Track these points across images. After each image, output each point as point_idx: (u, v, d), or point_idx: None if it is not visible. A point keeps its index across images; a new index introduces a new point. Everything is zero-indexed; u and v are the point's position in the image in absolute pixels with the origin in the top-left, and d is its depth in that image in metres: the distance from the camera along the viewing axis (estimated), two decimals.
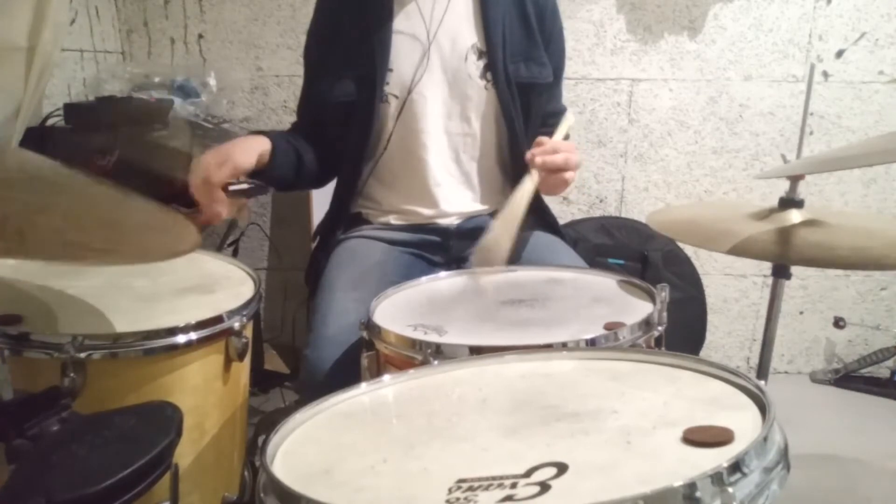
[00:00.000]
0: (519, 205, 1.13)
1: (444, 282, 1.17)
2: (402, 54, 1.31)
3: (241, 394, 1.11)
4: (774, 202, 1.19)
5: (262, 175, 1.29)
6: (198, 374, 0.99)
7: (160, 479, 0.65)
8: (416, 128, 1.33)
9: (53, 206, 0.72)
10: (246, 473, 1.18)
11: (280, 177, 1.33)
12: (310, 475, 0.61)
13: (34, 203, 0.70)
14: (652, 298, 1.00)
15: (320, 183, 1.51)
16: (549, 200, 1.47)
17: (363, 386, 0.78)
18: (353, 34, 1.32)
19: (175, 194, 1.19)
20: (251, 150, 1.23)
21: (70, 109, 1.68)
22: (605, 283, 1.12)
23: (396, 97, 1.31)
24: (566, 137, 1.26)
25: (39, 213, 0.69)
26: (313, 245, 1.50)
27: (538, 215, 1.42)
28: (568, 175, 1.18)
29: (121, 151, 1.56)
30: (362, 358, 0.97)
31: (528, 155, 1.17)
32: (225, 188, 1.19)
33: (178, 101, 1.93)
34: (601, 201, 2.38)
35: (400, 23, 1.31)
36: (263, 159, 1.26)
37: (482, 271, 1.15)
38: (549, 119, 1.43)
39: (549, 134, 1.40)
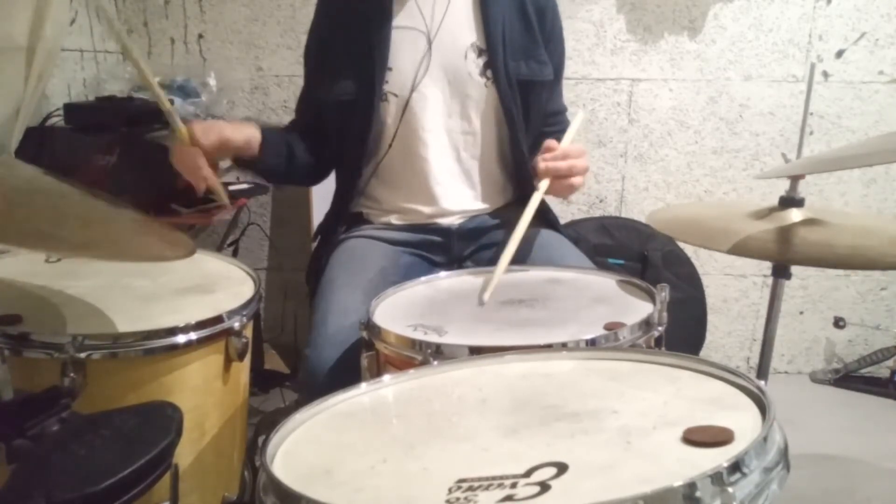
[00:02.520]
0: (526, 216, 1.15)
1: (444, 282, 1.17)
2: (402, 53, 1.31)
3: (241, 394, 1.11)
4: (775, 202, 1.19)
5: (251, 164, 1.30)
6: (198, 374, 0.99)
7: (160, 479, 0.65)
8: (416, 126, 1.33)
9: (35, 204, 0.72)
10: (246, 473, 1.18)
11: (270, 166, 1.33)
12: (310, 475, 0.61)
13: (16, 199, 0.71)
14: (652, 298, 1.00)
15: (313, 179, 1.52)
16: (549, 200, 1.47)
17: (363, 386, 0.78)
18: (352, 33, 1.32)
19: (174, 194, 1.19)
20: (239, 129, 1.25)
21: (70, 109, 1.68)
22: (605, 283, 1.12)
23: (396, 96, 1.31)
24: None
25: (20, 207, 0.69)
26: (314, 245, 1.51)
27: (539, 214, 1.42)
28: (575, 181, 1.20)
29: (121, 151, 1.56)
30: (362, 358, 0.97)
31: (539, 161, 1.19)
32: (214, 166, 1.20)
33: (178, 101, 1.93)
34: (601, 201, 2.38)
35: (399, 21, 1.31)
36: (253, 144, 1.27)
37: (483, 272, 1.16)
38: (550, 118, 1.43)
39: (558, 135, 1.42)
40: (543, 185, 1.19)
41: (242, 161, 1.28)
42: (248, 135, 1.26)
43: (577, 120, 1.27)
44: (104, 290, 1.06)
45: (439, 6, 1.31)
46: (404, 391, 0.78)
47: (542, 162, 1.19)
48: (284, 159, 1.35)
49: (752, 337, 2.48)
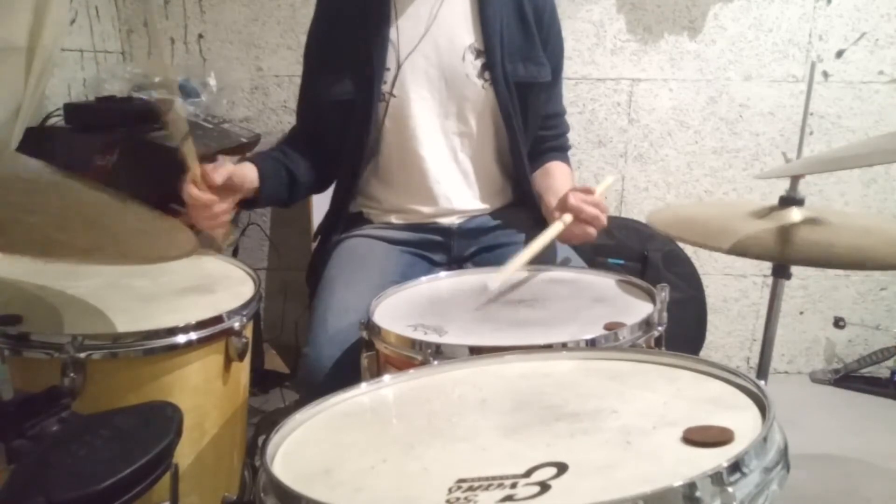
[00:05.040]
0: (539, 243, 1.13)
1: (444, 282, 1.17)
2: (400, 53, 1.31)
3: (241, 394, 1.11)
4: (775, 202, 1.19)
5: (255, 202, 1.29)
6: (198, 374, 0.99)
7: (160, 479, 0.65)
8: (413, 126, 1.33)
9: (41, 207, 0.72)
10: (246, 473, 1.18)
11: (274, 198, 1.33)
12: (310, 475, 0.61)
13: (22, 203, 0.71)
14: (652, 298, 1.00)
15: (320, 189, 1.50)
16: None
17: (363, 386, 0.78)
18: (351, 34, 1.32)
19: (174, 194, 1.19)
20: (239, 164, 1.23)
21: (70, 109, 1.68)
22: (605, 283, 1.12)
23: (395, 96, 1.31)
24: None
25: (27, 212, 0.69)
26: (314, 245, 1.50)
27: (539, 216, 1.42)
28: (591, 231, 1.18)
29: (121, 151, 1.56)
30: (362, 358, 0.97)
31: (570, 195, 1.17)
32: (227, 190, 1.18)
33: (177, 101, 1.93)
34: None
35: (398, 22, 1.31)
36: (253, 185, 1.25)
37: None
38: (548, 121, 1.43)
39: (556, 140, 1.42)
40: (567, 218, 1.17)
41: (246, 202, 1.26)
42: (248, 169, 1.25)
43: (608, 179, 1.29)
44: (104, 290, 1.06)
45: (437, 7, 1.31)
46: (404, 391, 0.78)
47: (575, 199, 1.16)
48: (286, 186, 1.34)
49: (752, 337, 2.48)
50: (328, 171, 1.43)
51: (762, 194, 2.35)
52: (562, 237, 1.20)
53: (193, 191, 1.14)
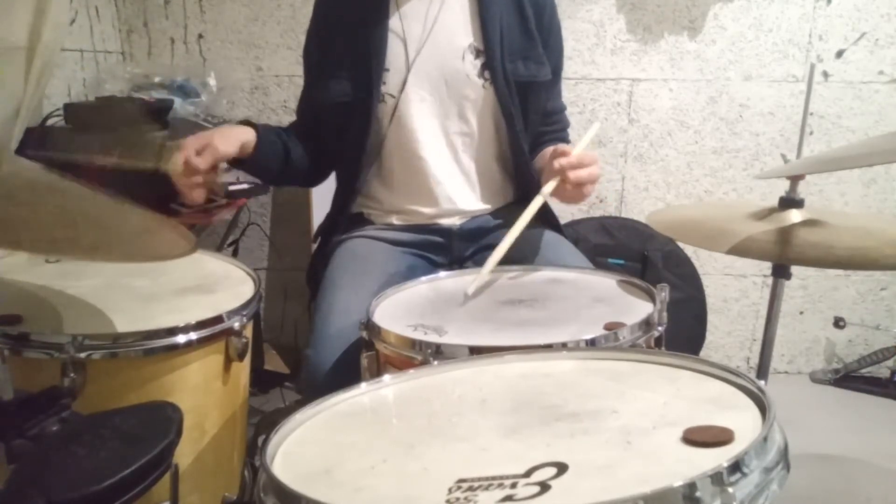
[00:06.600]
0: (525, 217, 1.13)
1: (444, 282, 1.17)
2: (399, 54, 1.31)
3: (241, 394, 1.11)
4: (774, 202, 1.19)
5: (246, 164, 1.29)
6: (198, 374, 0.99)
7: (160, 479, 0.65)
8: (413, 127, 1.33)
9: (45, 206, 0.72)
10: (246, 473, 1.18)
11: (265, 167, 1.33)
12: (310, 475, 0.61)
13: (25, 201, 0.71)
14: (652, 298, 1.00)
15: (311, 181, 1.51)
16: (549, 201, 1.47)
17: (363, 386, 0.78)
18: (350, 34, 1.32)
19: (174, 193, 1.19)
20: (232, 138, 1.23)
21: (70, 109, 1.68)
22: (605, 283, 1.12)
23: (394, 97, 1.31)
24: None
25: (31, 211, 0.69)
26: (314, 245, 1.50)
27: (540, 215, 1.42)
28: (587, 189, 1.18)
29: (121, 151, 1.56)
30: (362, 358, 0.97)
31: (556, 164, 1.15)
32: (213, 169, 1.19)
33: (178, 101, 1.93)
34: (601, 201, 2.38)
35: (396, 22, 1.31)
36: (248, 149, 1.26)
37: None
38: (549, 118, 1.43)
39: (558, 135, 1.40)
40: (549, 187, 1.16)
41: (237, 161, 1.28)
42: (242, 141, 1.25)
43: (591, 130, 1.24)
44: (104, 290, 1.06)
45: (436, 7, 1.30)
46: (404, 391, 0.78)
47: (557, 163, 1.15)
48: (280, 160, 1.34)
49: (752, 337, 2.48)
50: (323, 165, 1.43)
51: (762, 194, 2.35)
52: (558, 197, 1.20)
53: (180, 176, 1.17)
